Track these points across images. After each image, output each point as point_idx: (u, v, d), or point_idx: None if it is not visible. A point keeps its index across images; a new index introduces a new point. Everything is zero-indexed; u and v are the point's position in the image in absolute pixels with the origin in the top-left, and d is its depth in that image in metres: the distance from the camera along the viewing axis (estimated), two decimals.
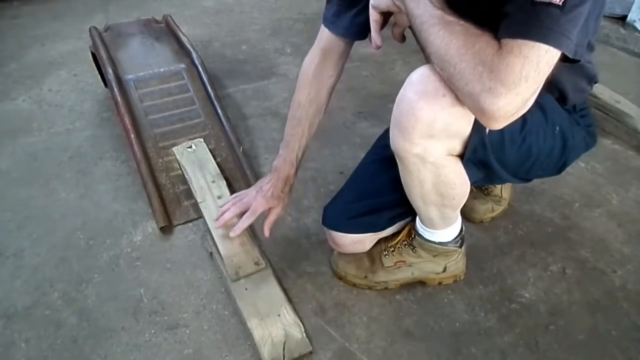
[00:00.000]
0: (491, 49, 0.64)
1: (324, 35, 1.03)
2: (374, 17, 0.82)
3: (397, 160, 0.88)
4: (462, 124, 0.79)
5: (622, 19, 2.34)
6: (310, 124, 1.08)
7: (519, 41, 0.62)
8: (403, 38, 0.85)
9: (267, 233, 1.12)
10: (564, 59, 0.65)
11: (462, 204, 0.98)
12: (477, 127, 0.79)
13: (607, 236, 1.27)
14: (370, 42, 0.84)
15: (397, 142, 0.83)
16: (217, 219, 1.14)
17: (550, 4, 0.61)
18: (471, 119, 0.78)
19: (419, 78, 0.76)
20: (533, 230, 1.29)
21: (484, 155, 0.85)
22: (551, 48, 0.62)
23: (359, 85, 1.91)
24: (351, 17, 0.97)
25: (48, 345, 1.00)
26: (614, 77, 1.91)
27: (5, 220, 1.29)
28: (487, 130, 0.81)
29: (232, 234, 1.11)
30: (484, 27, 0.66)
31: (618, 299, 1.11)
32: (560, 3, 0.61)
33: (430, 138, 0.79)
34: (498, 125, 0.67)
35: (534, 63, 0.62)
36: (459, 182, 0.89)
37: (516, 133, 0.85)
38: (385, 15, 0.83)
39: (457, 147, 0.84)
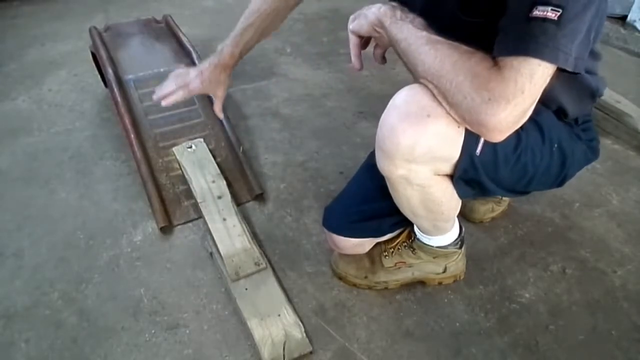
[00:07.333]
0: (487, 63, 0.64)
1: None
2: (353, 41, 0.83)
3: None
4: (447, 146, 0.77)
5: (622, 19, 2.34)
6: (263, 32, 1.13)
7: (513, 58, 0.62)
8: (384, 59, 0.85)
9: (219, 115, 1.25)
10: (563, 70, 0.64)
11: (454, 217, 0.98)
12: (467, 147, 0.77)
13: (607, 236, 1.27)
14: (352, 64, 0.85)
15: (381, 163, 0.82)
16: (157, 93, 1.14)
17: (546, 19, 0.60)
18: (458, 141, 0.76)
19: (403, 99, 0.75)
20: (533, 230, 1.29)
21: (475, 175, 0.83)
22: (544, 62, 0.61)
23: (359, 85, 1.91)
24: None
25: (48, 345, 1.00)
26: (614, 77, 1.90)
27: (5, 220, 1.29)
28: (477, 151, 0.78)
29: (164, 103, 1.12)
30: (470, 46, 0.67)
31: (618, 299, 1.11)
32: (556, 18, 0.60)
33: (413, 162, 0.78)
34: (500, 136, 0.67)
35: (527, 76, 0.62)
36: (447, 199, 0.89)
37: (510, 152, 0.83)
38: (365, 38, 0.83)
39: (445, 168, 0.82)
